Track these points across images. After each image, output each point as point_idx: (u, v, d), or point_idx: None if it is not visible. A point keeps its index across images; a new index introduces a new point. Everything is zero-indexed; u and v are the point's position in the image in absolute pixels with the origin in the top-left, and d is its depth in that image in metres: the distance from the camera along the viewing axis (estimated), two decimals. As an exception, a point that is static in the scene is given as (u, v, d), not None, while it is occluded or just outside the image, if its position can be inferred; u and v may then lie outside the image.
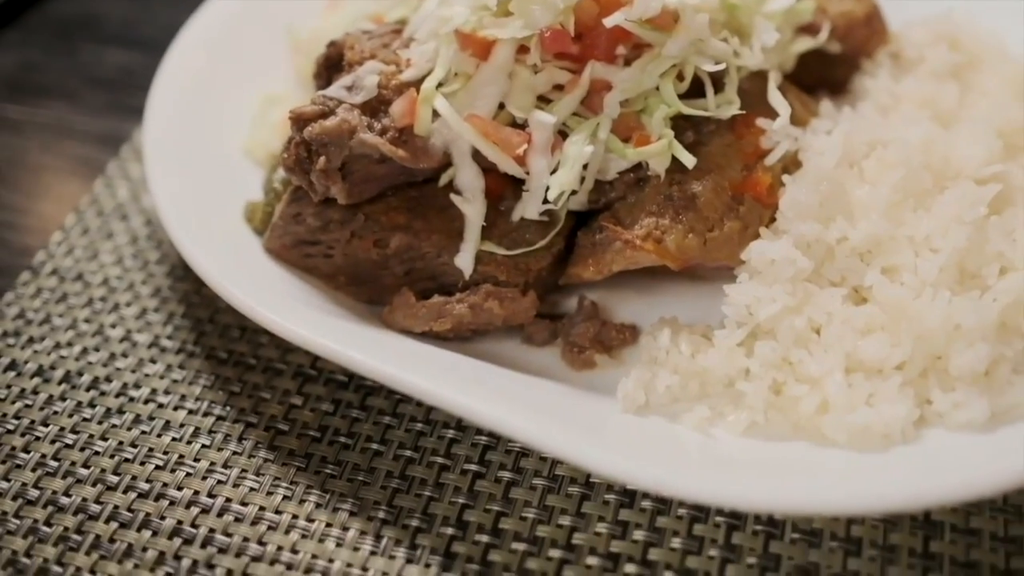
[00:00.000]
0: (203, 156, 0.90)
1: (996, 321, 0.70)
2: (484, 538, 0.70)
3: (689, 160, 0.74)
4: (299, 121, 0.75)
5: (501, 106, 0.76)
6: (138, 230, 0.94)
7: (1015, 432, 0.67)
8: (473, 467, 0.74)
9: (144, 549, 0.70)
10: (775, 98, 0.79)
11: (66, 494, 0.73)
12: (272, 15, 1.03)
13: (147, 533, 0.71)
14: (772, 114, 0.79)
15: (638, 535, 0.69)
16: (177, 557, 0.70)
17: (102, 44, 1.18)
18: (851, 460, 0.67)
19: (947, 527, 0.69)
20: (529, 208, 0.76)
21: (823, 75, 0.92)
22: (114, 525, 0.71)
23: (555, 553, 0.69)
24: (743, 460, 0.69)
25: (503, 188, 0.78)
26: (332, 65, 0.81)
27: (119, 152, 1.02)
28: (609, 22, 0.73)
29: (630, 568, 0.67)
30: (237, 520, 0.72)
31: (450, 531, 0.70)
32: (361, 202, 0.78)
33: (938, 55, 0.91)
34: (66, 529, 0.71)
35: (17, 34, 1.20)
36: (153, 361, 0.82)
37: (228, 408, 0.79)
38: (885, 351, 0.70)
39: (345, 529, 0.71)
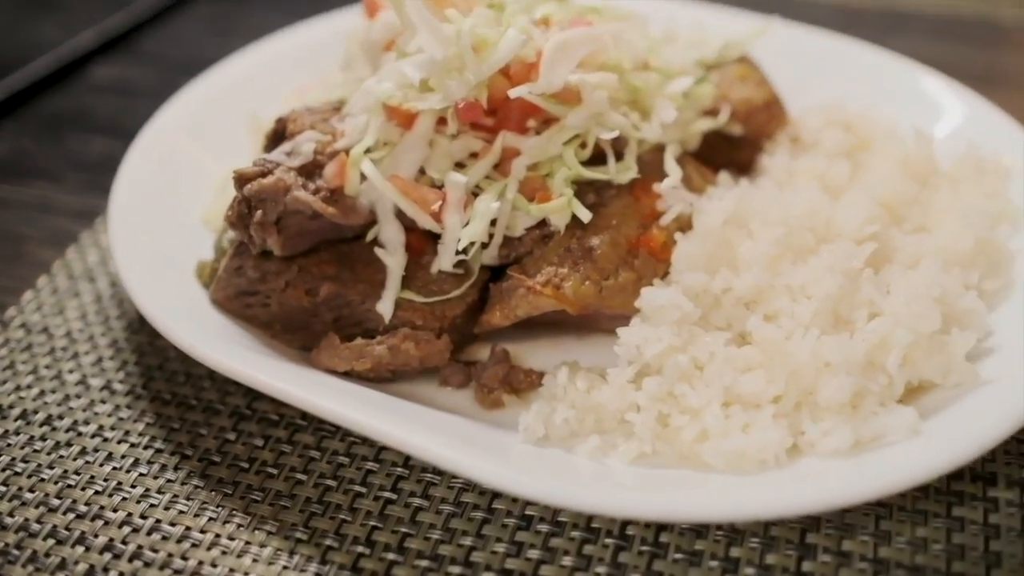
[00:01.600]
0: (164, 223, 0.98)
1: (862, 359, 0.77)
2: (390, 555, 0.75)
3: (585, 215, 0.83)
4: (240, 180, 0.84)
5: (423, 171, 0.86)
6: (103, 290, 1.02)
7: (879, 457, 0.73)
8: (386, 494, 0.80)
9: (76, 563, 0.76)
10: (669, 165, 0.88)
11: (10, 515, 0.80)
12: (239, 103, 1.13)
13: (80, 549, 0.77)
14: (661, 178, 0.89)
15: (532, 554, 0.75)
16: (106, 569, 0.75)
17: (89, 133, 1.29)
18: (727, 480, 0.74)
19: (819, 549, 0.74)
20: (444, 260, 0.84)
21: (730, 156, 1.01)
22: (51, 542, 0.77)
23: (455, 569, 0.74)
24: (629, 481, 0.75)
25: (425, 245, 0.86)
26: (278, 138, 0.91)
27: (93, 224, 1.12)
28: (513, 94, 0.83)
29: (521, 581, 0.73)
30: (164, 538, 0.77)
31: (359, 549, 0.76)
32: (296, 255, 0.86)
33: (832, 137, 1.01)
34: (6, 545, 0.77)
35: (13, 124, 1.32)
36: (103, 402, 0.89)
37: (167, 442, 0.85)
38: (761, 386, 0.77)
39: (263, 547, 0.76)
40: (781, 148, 1.01)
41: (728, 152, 1.01)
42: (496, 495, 0.79)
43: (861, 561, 0.73)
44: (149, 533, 0.78)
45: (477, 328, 0.87)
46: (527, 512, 0.77)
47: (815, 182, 0.95)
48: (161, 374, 0.92)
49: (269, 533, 0.77)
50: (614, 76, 0.87)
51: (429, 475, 0.81)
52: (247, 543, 0.77)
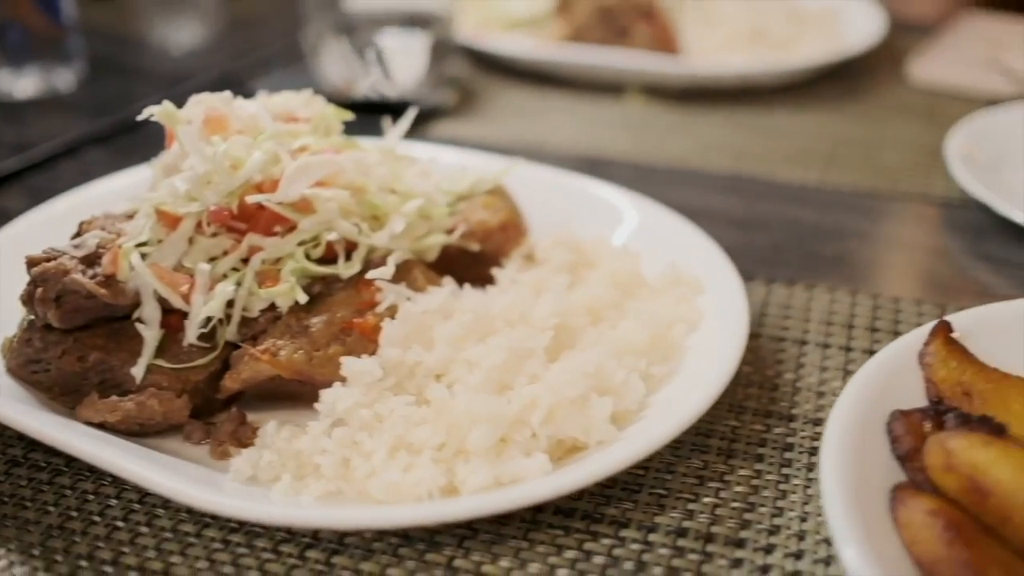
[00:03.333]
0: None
1: (511, 415, 0.94)
2: (106, 568, 0.90)
3: (303, 298, 1.01)
4: (30, 264, 1.03)
5: (184, 264, 1.05)
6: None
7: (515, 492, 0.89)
8: (117, 522, 0.95)
9: None
10: (388, 266, 1.07)
11: None
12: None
13: None
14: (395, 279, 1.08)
15: (227, 570, 0.90)
16: None
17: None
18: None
19: (463, 571, 0.89)
20: (190, 334, 1.02)
21: (471, 270, 1.20)
22: None
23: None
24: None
25: (181, 324, 1.04)
26: (76, 237, 1.10)
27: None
28: (250, 199, 1.03)
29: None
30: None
31: (83, 563, 0.91)
32: (73, 329, 1.04)
33: (559, 255, 1.21)
34: None
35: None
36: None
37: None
38: (427, 436, 0.94)
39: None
40: (514, 263, 1.20)
41: (469, 265, 1.20)
42: (206, 525, 0.94)
43: None
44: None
45: (219, 393, 1.04)
46: (228, 537, 0.92)
47: (531, 288, 1.14)
48: (-40, 432, 1.08)
49: (8, 550, 0.92)
50: (346, 193, 1.08)
51: (159, 509, 0.96)
52: (-12, 557, 0.92)
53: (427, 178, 1.23)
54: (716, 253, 1.21)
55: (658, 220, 1.29)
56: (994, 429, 0.92)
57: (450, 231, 1.17)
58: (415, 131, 1.58)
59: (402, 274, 1.10)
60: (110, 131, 1.79)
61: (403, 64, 1.75)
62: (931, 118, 1.82)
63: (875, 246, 1.46)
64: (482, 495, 0.88)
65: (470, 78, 2.07)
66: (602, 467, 0.89)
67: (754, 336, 1.22)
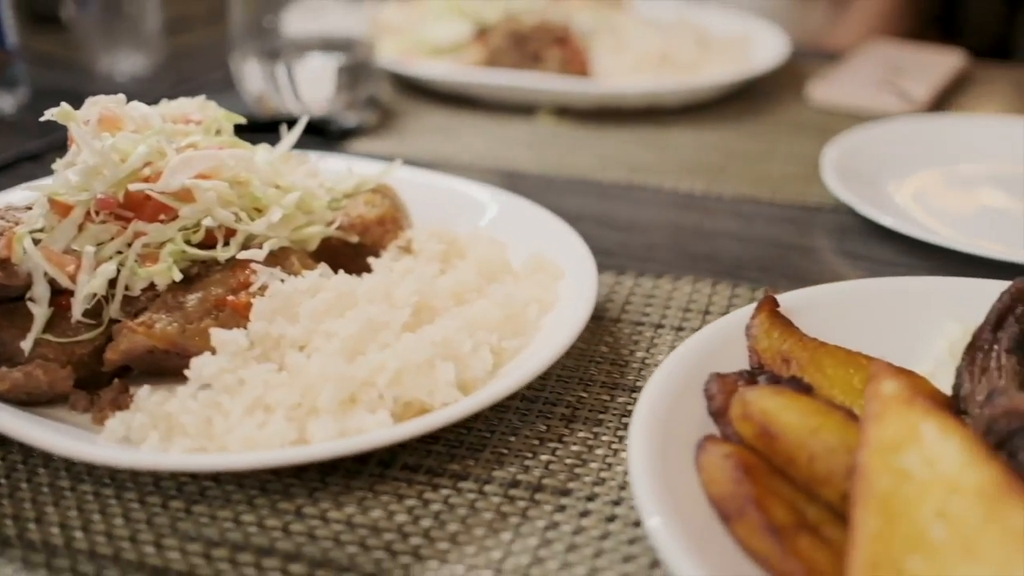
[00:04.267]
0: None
1: (360, 378, 1.03)
2: (-18, 517, 0.99)
3: (178, 276, 1.11)
4: (-69, 250, 1.13)
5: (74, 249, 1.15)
6: None
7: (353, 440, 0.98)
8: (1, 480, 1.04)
9: None
10: (264, 250, 1.17)
11: None
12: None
13: None
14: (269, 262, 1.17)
15: (90, 507, 0.98)
16: None
17: None
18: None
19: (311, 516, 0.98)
20: (76, 310, 1.12)
21: (352, 261, 1.29)
22: None
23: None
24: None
25: (71, 304, 1.14)
26: (-20, 229, 1.20)
27: None
28: (132, 187, 1.13)
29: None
30: None
31: (-39, 513, 0.99)
32: (-29, 309, 1.13)
33: (432, 245, 1.31)
34: None
35: None
36: None
37: None
38: (283, 396, 1.03)
39: None
40: (390, 253, 1.30)
41: (351, 256, 1.29)
42: (81, 480, 1.03)
43: (339, 524, 0.97)
44: None
45: (103, 366, 1.13)
46: (99, 491, 1.01)
47: (400, 274, 1.24)
48: None
49: None
50: (226, 184, 1.18)
51: (41, 468, 1.05)
52: None
53: (313, 177, 1.33)
54: (579, 245, 1.31)
55: (530, 217, 1.40)
56: (802, 388, 1.02)
57: (330, 224, 1.27)
58: (334, 147, 1.69)
59: (279, 259, 1.19)
60: (45, 149, 1.89)
61: (315, 85, 1.87)
62: (821, 134, 1.93)
63: (744, 245, 1.56)
64: (323, 443, 0.97)
65: (392, 100, 2.19)
66: (431, 421, 0.99)
67: (615, 320, 1.32)
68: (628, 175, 1.82)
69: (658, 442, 0.94)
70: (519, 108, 2.10)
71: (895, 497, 0.83)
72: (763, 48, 2.34)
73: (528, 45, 2.12)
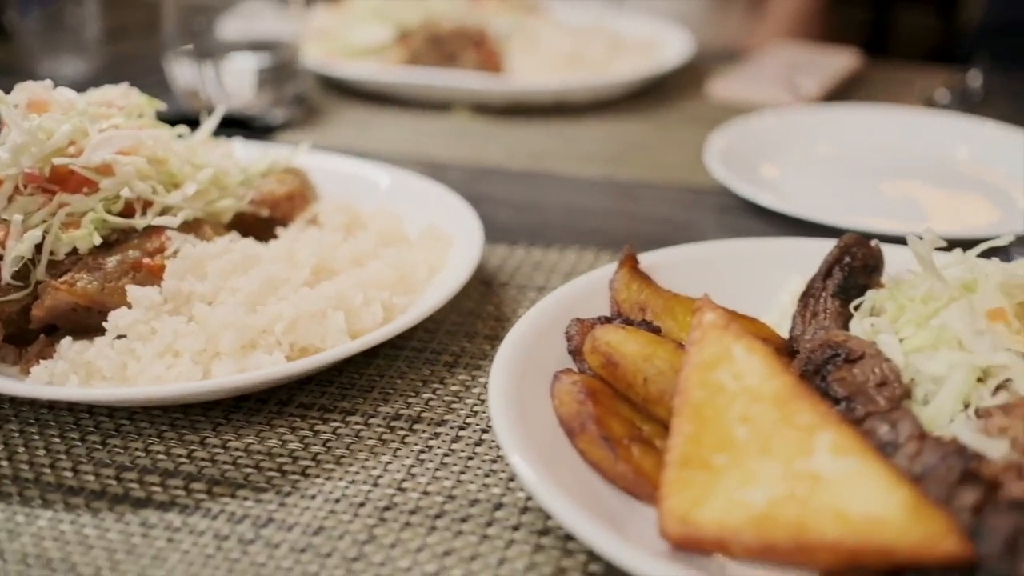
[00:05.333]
0: None
1: (258, 325, 1.16)
2: (-82, 451, 1.11)
3: (97, 240, 1.23)
4: None
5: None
6: None
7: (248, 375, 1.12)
8: (-66, 421, 1.16)
9: None
10: (176, 219, 1.29)
11: None
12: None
13: None
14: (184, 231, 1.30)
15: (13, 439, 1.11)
16: None
17: None
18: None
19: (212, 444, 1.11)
20: (4, 273, 1.24)
21: (263, 232, 1.42)
22: None
23: (-41, 458, 1.09)
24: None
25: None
26: (-81, 203, 1.32)
27: None
28: (57, 162, 1.25)
29: None
30: None
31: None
32: (-89, 275, 1.25)
33: (336, 218, 1.44)
34: None
35: None
36: None
37: None
38: (190, 343, 1.16)
39: None
40: (298, 225, 1.44)
41: (263, 229, 1.43)
42: (7, 420, 1.15)
43: (237, 451, 1.10)
44: None
45: (31, 324, 1.25)
46: (24, 428, 1.13)
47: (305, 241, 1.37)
48: None
49: None
50: (144, 160, 1.31)
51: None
52: None
53: (229, 158, 1.46)
54: (470, 218, 1.45)
55: (428, 194, 1.54)
56: (651, 329, 1.17)
57: (242, 199, 1.40)
58: (260, 140, 1.81)
59: (193, 229, 1.32)
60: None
61: (240, 83, 2.00)
62: (716, 126, 2.09)
63: (632, 222, 1.72)
64: (221, 378, 1.11)
65: (319, 98, 2.32)
66: (318, 359, 1.12)
67: (504, 284, 1.46)
68: (533, 164, 1.97)
69: (517, 373, 1.08)
70: (437, 105, 2.25)
71: (707, 406, 0.98)
72: (670, 49, 2.50)
73: (446, 47, 2.27)
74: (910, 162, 1.96)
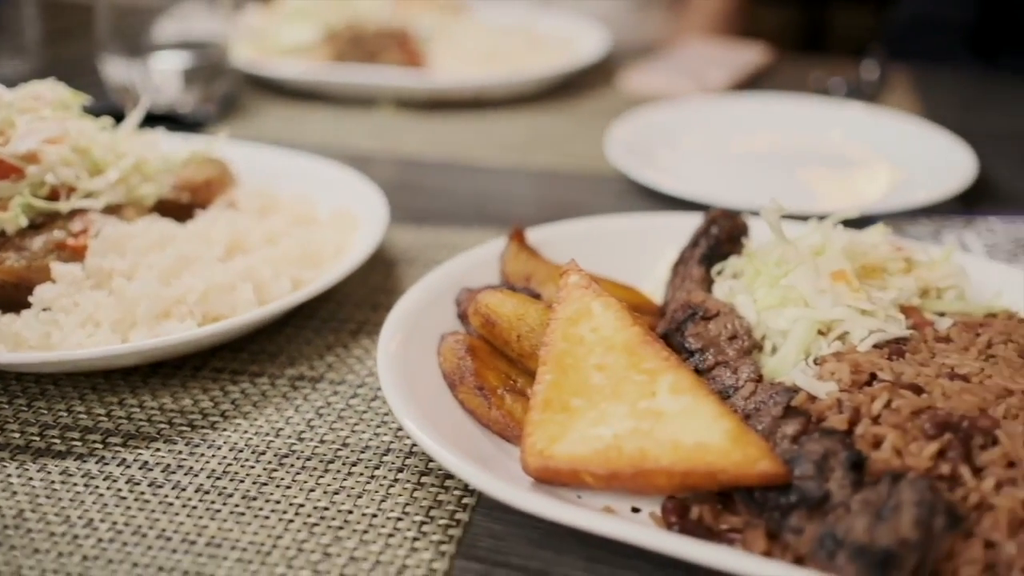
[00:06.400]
0: None
1: (172, 296, 1.27)
2: None
3: (24, 222, 1.34)
4: None
5: (-63, 204, 1.37)
6: None
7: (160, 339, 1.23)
8: None
9: None
10: (98, 202, 1.40)
11: None
12: None
13: None
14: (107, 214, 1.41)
15: (-53, 411, 1.21)
16: None
17: None
18: (68, 362, 1.22)
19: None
20: (-60, 251, 1.34)
21: (185, 216, 1.53)
22: None
23: None
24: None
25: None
26: None
27: None
28: (-19, 147, 1.36)
29: None
30: None
31: None
32: None
33: (253, 201, 1.55)
34: None
35: None
36: None
37: None
38: (109, 313, 1.26)
39: None
40: (217, 207, 1.55)
41: (184, 213, 1.53)
42: (-59, 387, 1.25)
43: (153, 409, 1.21)
44: None
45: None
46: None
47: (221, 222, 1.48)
48: None
49: None
50: (68, 149, 1.41)
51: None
52: None
53: (151, 148, 1.57)
54: (378, 202, 1.57)
55: (339, 180, 1.66)
56: (533, 295, 1.29)
57: (164, 185, 1.51)
58: (190, 135, 1.91)
59: (117, 212, 1.43)
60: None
61: (169, 81, 2.11)
62: (625, 117, 2.22)
63: (535, 206, 1.84)
64: (136, 342, 1.22)
65: (248, 95, 2.43)
66: (226, 324, 1.23)
67: (410, 262, 1.58)
68: (451, 154, 2.09)
69: (406, 334, 1.20)
70: (362, 101, 2.36)
71: (568, 356, 1.11)
72: (586, 46, 2.63)
73: (370, 46, 2.39)
74: (799, 146, 2.11)
